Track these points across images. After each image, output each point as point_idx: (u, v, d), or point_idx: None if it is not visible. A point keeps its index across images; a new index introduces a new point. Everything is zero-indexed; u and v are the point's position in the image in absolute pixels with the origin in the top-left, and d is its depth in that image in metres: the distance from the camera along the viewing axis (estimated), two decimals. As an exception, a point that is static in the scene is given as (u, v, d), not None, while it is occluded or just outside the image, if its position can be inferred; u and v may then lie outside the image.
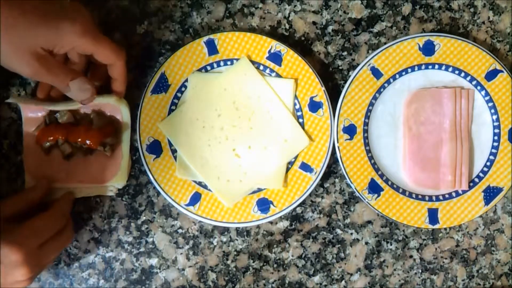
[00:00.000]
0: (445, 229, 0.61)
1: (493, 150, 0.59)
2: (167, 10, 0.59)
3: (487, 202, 0.58)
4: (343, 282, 0.60)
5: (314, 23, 0.60)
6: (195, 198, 0.58)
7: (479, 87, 0.58)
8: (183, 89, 0.59)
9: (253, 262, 0.60)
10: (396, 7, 0.60)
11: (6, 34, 0.45)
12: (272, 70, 0.58)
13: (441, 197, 0.59)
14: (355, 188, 0.57)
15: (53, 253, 0.54)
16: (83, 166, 0.58)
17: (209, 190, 0.58)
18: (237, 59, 0.58)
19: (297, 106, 0.58)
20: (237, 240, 0.60)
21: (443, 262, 0.61)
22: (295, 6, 0.60)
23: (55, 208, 0.54)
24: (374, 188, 0.58)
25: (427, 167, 0.58)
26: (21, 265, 0.48)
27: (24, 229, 0.50)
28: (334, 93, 0.59)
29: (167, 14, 0.59)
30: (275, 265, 0.60)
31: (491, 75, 0.58)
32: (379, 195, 0.58)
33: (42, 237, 0.51)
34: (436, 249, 0.61)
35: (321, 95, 0.58)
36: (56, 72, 0.49)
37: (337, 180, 0.60)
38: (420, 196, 0.58)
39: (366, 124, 0.58)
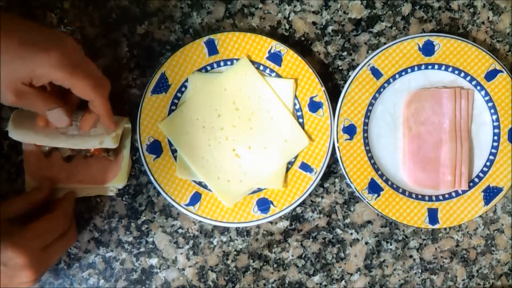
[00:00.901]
0: (445, 229, 0.61)
1: (493, 150, 0.59)
2: (167, 10, 0.60)
3: (487, 202, 0.58)
4: (343, 282, 0.61)
5: (314, 23, 0.60)
6: (195, 198, 0.58)
7: (479, 87, 0.58)
8: (183, 89, 0.59)
9: (253, 262, 0.60)
10: (396, 7, 0.60)
11: None
12: (272, 70, 0.58)
13: (441, 197, 0.59)
14: (355, 188, 0.57)
15: (58, 254, 0.54)
16: (84, 168, 0.58)
17: (209, 190, 0.58)
18: (237, 59, 0.58)
19: (297, 106, 0.58)
20: (237, 240, 0.60)
21: (443, 262, 0.61)
22: (295, 6, 0.60)
23: (59, 209, 0.54)
24: (374, 188, 0.58)
25: (427, 167, 0.58)
26: (26, 268, 0.48)
27: (29, 231, 0.50)
28: (334, 93, 0.59)
29: (167, 14, 0.60)
30: (275, 265, 0.60)
31: (491, 75, 0.58)
32: (379, 195, 0.58)
33: (46, 239, 0.51)
34: (436, 249, 0.61)
35: (321, 95, 0.58)
36: (35, 103, 0.48)
37: (337, 180, 0.60)
38: (420, 196, 0.58)
39: (366, 124, 0.58)
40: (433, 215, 0.58)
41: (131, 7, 0.59)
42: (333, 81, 0.60)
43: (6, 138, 0.59)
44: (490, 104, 0.58)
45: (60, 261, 0.60)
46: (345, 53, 0.60)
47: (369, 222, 0.60)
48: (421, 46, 0.58)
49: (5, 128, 0.54)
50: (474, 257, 0.61)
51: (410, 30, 0.60)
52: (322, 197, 0.60)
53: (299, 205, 0.59)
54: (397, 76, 0.58)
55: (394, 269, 0.61)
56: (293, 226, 0.60)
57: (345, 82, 0.59)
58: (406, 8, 0.60)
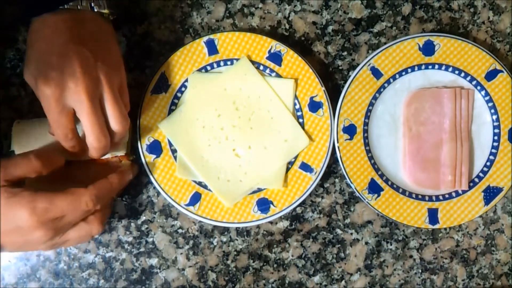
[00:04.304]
0: (445, 229, 0.61)
1: (493, 150, 0.59)
2: (167, 10, 0.59)
3: (487, 202, 0.58)
4: (343, 282, 0.60)
5: (314, 23, 0.60)
6: (195, 198, 0.58)
7: (479, 87, 0.58)
8: (183, 89, 0.59)
9: (253, 262, 0.60)
10: (396, 7, 0.60)
11: None
12: (272, 70, 0.58)
13: (441, 197, 0.59)
14: (355, 188, 0.57)
15: (70, 240, 0.49)
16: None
17: (209, 190, 0.58)
18: (237, 59, 0.58)
19: (297, 106, 0.58)
20: (237, 240, 0.60)
21: (443, 262, 0.61)
22: (295, 6, 0.60)
23: (91, 188, 0.49)
24: (374, 188, 0.58)
25: (427, 167, 0.58)
26: (37, 230, 0.45)
27: (40, 197, 0.46)
28: (334, 93, 0.59)
29: (167, 14, 0.59)
30: (275, 265, 0.60)
31: (491, 75, 0.58)
32: (379, 195, 0.58)
33: (59, 215, 0.47)
34: (436, 249, 0.61)
35: (321, 95, 0.58)
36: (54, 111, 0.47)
37: (337, 180, 0.60)
38: (420, 196, 0.58)
39: (366, 124, 0.58)
40: (433, 215, 0.58)
41: (131, 7, 0.59)
42: (333, 81, 0.60)
43: (6, 138, 0.59)
44: (490, 104, 0.58)
45: (60, 261, 0.60)
46: (345, 53, 0.60)
47: (369, 222, 0.60)
48: (421, 46, 0.58)
49: (7, 136, 0.54)
50: (474, 257, 0.61)
51: (410, 30, 0.60)
52: (322, 197, 0.60)
53: (299, 205, 0.59)
54: (397, 76, 0.58)
55: (394, 269, 0.61)
56: (293, 226, 0.60)
57: (345, 82, 0.59)
58: (406, 8, 0.60)
